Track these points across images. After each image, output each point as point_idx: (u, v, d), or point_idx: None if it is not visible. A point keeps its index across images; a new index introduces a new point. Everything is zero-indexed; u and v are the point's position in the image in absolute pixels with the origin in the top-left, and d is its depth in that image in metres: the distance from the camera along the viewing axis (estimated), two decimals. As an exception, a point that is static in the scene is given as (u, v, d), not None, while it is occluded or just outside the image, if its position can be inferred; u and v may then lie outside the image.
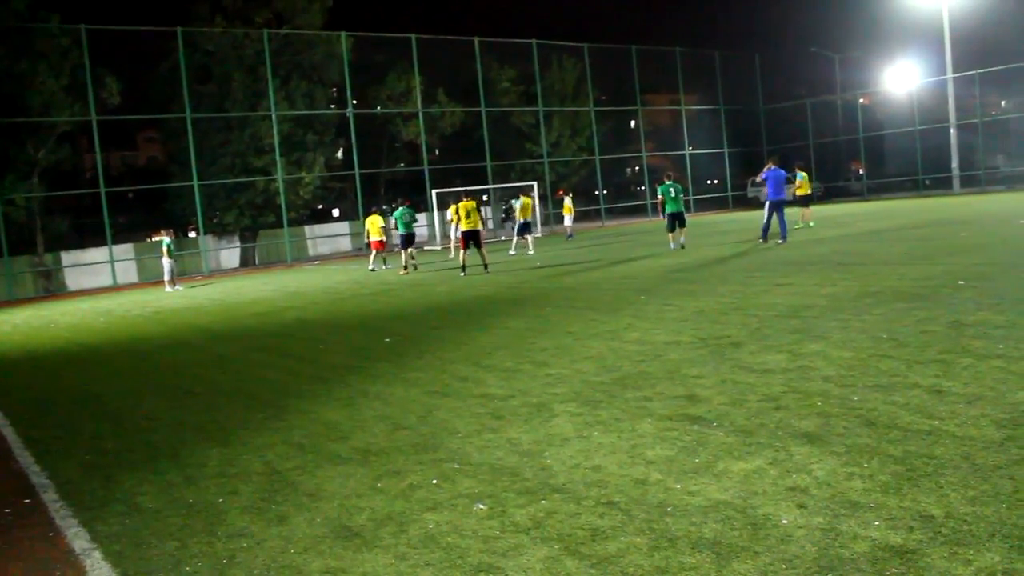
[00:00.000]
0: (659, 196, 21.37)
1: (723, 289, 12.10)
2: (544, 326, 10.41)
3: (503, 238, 33.79)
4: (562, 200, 35.75)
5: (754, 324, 8.86)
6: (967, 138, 42.26)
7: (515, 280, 17.13)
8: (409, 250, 22.65)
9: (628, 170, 62.75)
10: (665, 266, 16.70)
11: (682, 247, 20.70)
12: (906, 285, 10.56)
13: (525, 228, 26.10)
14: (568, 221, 33.69)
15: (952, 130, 41.40)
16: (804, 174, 26.99)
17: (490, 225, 43.43)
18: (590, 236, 34.06)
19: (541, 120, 44.19)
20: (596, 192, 48.67)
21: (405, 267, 22.36)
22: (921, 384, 5.82)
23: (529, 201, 26.80)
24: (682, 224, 21.06)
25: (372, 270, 24.83)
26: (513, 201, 28.77)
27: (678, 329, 9.07)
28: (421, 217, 42.76)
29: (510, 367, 7.98)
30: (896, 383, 5.92)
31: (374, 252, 25.43)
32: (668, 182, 21.33)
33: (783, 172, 20.37)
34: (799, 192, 26.73)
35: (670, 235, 21.19)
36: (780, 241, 19.68)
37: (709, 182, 53.90)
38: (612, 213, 49.65)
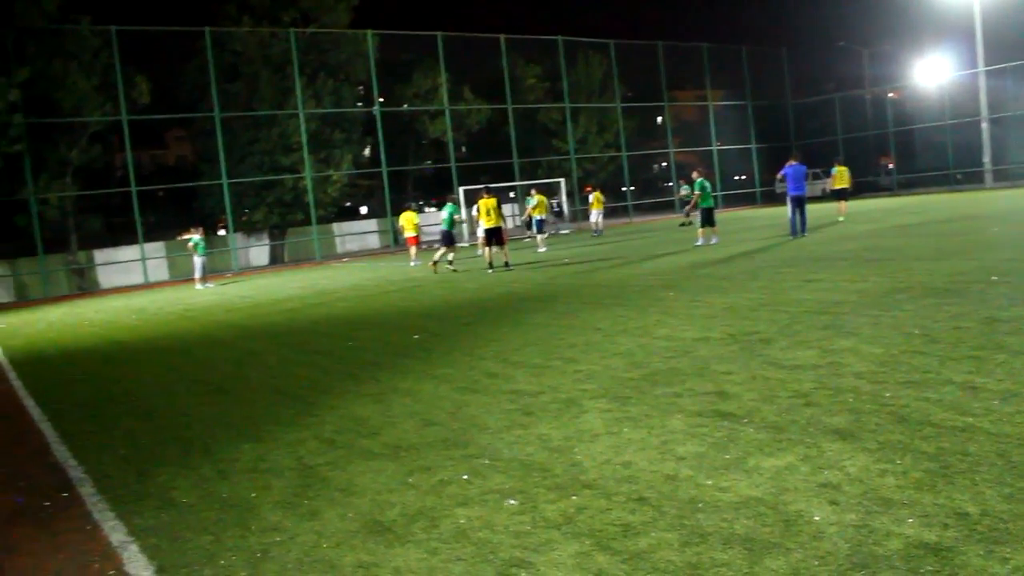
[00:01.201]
0: (697, 192, 21.24)
1: (752, 285, 12.03)
2: (573, 322, 10.40)
3: (526, 238, 33.67)
4: (587, 196, 35.67)
5: (784, 320, 8.81)
6: (1000, 132, 41.67)
7: (543, 277, 17.12)
8: (444, 249, 21.90)
9: (655, 166, 62.50)
10: (693, 262, 16.63)
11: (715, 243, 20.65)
12: (938, 281, 10.45)
13: (541, 225, 26.30)
14: (595, 216, 33.53)
15: (984, 124, 40.84)
16: (841, 168, 26.80)
17: (517, 222, 43.41)
18: (618, 232, 33.96)
19: (568, 117, 44.11)
20: (623, 188, 48.50)
21: (436, 262, 21.60)
22: (954, 380, 5.76)
23: (543, 198, 26.93)
24: (712, 221, 21.03)
25: (414, 265, 24.94)
26: (528, 199, 28.85)
27: (707, 325, 9.03)
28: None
29: (539, 363, 7.99)
30: (929, 379, 5.86)
31: (411, 248, 25.61)
32: (701, 178, 21.34)
33: (803, 167, 20.53)
34: (836, 186, 26.62)
35: (701, 231, 21.08)
36: (801, 235, 19.73)
37: (737, 178, 53.56)
38: (639, 209, 49.48)
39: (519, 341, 9.43)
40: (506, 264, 19.67)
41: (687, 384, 6.51)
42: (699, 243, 20.70)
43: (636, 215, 47.35)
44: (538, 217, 26.73)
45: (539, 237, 26.38)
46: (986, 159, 41.24)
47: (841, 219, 24.69)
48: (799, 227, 19.96)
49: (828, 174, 28.00)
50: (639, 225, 39.50)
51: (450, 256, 21.81)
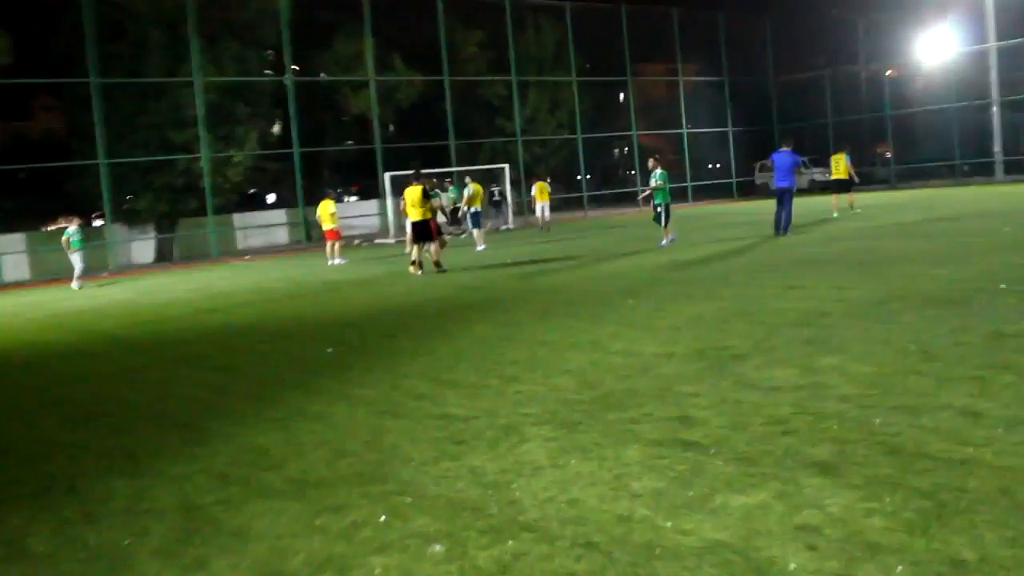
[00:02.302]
0: (659, 182, 20.83)
1: (725, 292, 12.16)
2: (515, 334, 10.42)
3: (461, 234, 33.61)
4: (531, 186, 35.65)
5: (760, 333, 8.92)
6: (1013, 117, 42.49)
7: (481, 280, 17.12)
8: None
9: (616, 151, 62.91)
10: (658, 264, 16.77)
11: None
12: (938, 288, 10.67)
13: (478, 218, 26.46)
14: (540, 210, 33.60)
15: (995, 108, 41.71)
16: (839, 156, 27.14)
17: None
18: (570, 228, 34.13)
19: (515, 92, 44.16)
20: (578, 177, 48.72)
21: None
22: (954, 405, 5.87)
23: (479, 188, 27.15)
24: (668, 217, 21.06)
25: (332, 264, 24.70)
26: (464, 189, 28.98)
27: (671, 339, 9.11)
28: (373, 205, 42.77)
29: (474, 383, 7.98)
30: (924, 404, 5.97)
31: (329, 243, 25.36)
32: (660, 168, 21.17)
33: (792, 156, 20.36)
34: (834, 176, 27.03)
35: (665, 229, 21.12)
36: (783, 233, 19.93)
37: (711, 166, 54.13)
38: (597, 201, 49.75)
39: (452, 356, 9.41)
40: (436, 264, 19.26)
41: (646, 408, 6.55)
42: (663, 243, 20.81)
43: (592, 208, 47.63)
44: (475, 209, 26.79)
45: (476, 233, 26.36)
46: (997, 148, 42.12)
47: (835, 215, 25.10)
48: (782, 224, 20.16)
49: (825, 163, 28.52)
50: (595, 220, 39.76)
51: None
